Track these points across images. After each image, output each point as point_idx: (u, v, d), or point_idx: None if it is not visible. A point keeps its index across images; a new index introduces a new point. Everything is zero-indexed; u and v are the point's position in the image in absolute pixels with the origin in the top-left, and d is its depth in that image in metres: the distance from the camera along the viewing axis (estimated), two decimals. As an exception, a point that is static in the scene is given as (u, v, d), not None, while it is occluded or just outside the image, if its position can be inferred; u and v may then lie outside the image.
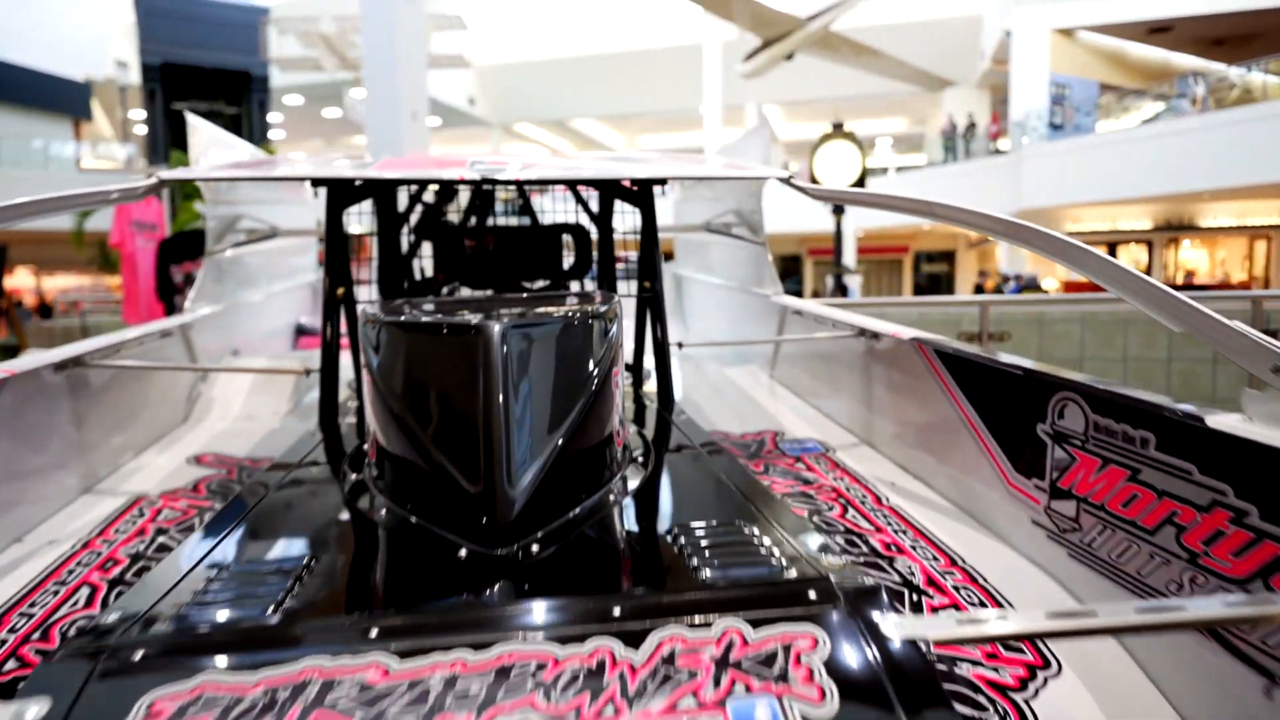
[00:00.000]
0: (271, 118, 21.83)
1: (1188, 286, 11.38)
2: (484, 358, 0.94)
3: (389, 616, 0.76)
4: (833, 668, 0.65)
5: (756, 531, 0.94)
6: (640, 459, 1.28)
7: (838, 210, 13.22)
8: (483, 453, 0.90)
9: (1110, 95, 18.54)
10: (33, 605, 1.09)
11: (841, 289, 12.92)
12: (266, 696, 0.59)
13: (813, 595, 0.75)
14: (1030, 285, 10.31)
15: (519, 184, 1.69)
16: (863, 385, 1.91)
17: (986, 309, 3.63)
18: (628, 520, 1.05)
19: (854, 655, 0.67)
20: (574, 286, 2.10)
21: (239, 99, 17.90)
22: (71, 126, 20.19)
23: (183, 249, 3.99)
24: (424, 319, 1.03)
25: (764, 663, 0.65)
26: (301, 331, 3.08)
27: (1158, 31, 18.31)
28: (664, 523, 1.08)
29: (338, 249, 1.68)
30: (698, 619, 0.69)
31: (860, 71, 20.88)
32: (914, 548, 1.36)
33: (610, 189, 1.99)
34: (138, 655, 0.65)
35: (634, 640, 0.66)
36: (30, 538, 1.35)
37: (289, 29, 14.98)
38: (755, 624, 0.69)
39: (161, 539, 1.33)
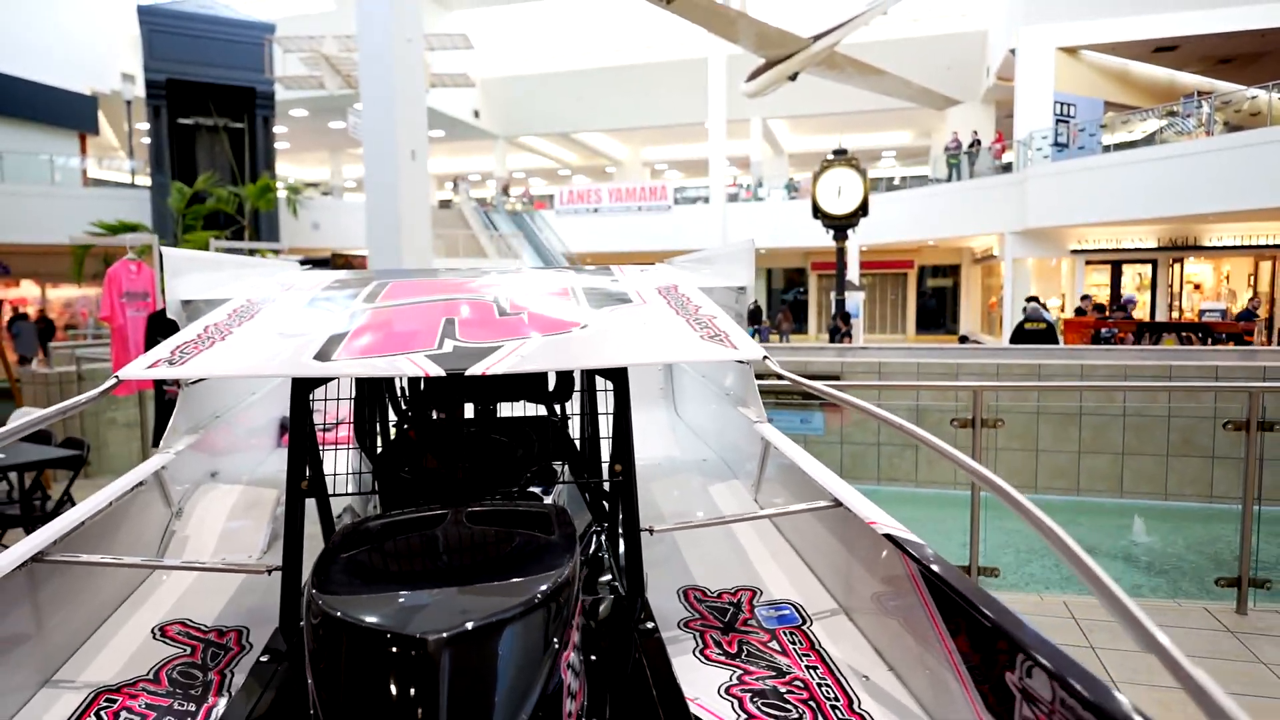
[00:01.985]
0: (277, 129, 21.87)
1: (1193, 327, 11.20)
2: (410, 673, 0.93)
3: None
4: None
5: None
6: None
7: (839, 235, 13.21)
8: None
9: (1115, 114, 18.47)
10: None
11: (845, 317, 12.87)
12: None
13: None
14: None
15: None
16: (843, 543, 1.87)
17: (980, 394, 3.59)
18: None
19: None
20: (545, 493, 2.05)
21: (243, 114, 17.94)
22: (78, 140, 20.25)
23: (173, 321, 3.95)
24: (334, 612, 1.01)
25: None
26: (285, 428, 3.05)
27: (1163, 50, 18.24)
28: None
29: (301, 437, 1.64)
30: None
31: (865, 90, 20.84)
32: None
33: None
34: None
35: None
36: None
37: (292, 48, 15.01)
38: None
39: None
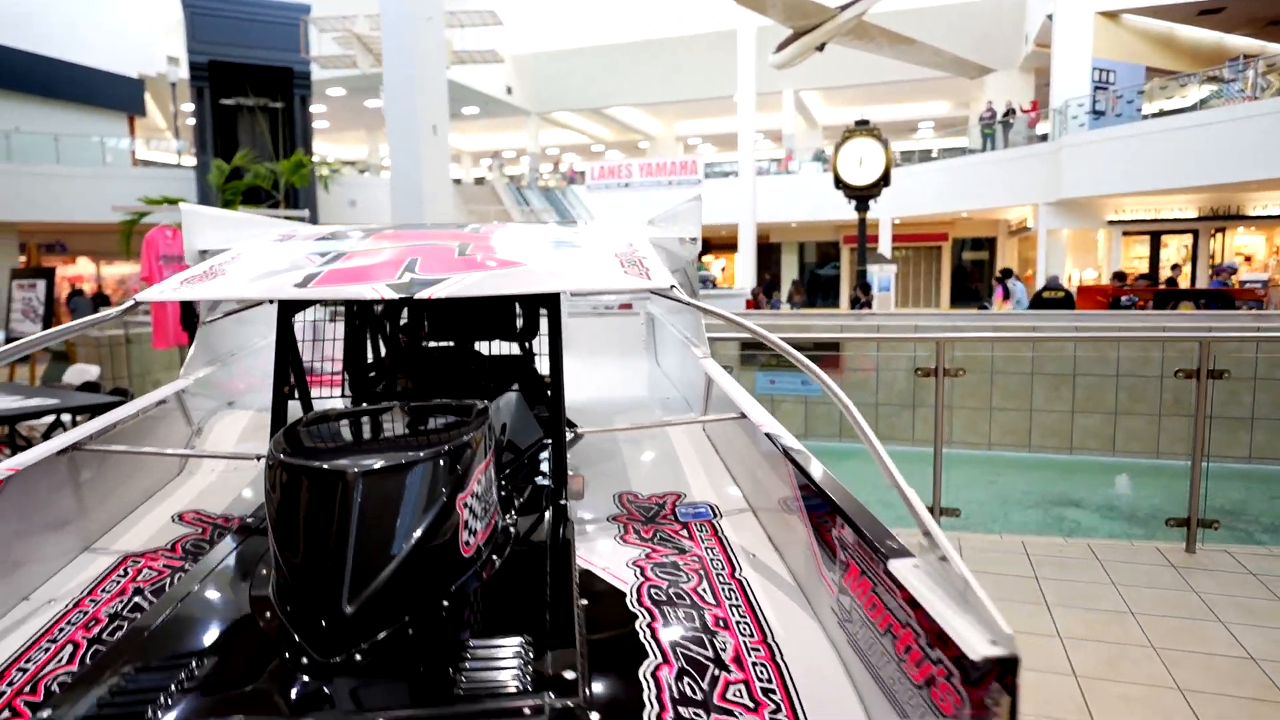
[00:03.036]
0: (315, 109, 22.45)
1: (1210, 294, 11.01)
2: (326, 491, 1.25)
3: (222, 702, 1.08)
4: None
5: (519, 644, 1.21)
6: (496, 560, 1.56)
7: (860, 206, 13.26)
8: (329, 568, 1.21)
9: (1157, 80, 18.02)
10: (28, 661, 1.42)
11: (864, 287, 12.95)
12: None
13: (526, 712, 1.04)
14: (1052, 286, 10.26)
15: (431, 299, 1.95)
16: (750, 451, 2.16)
17: (942, 344, 3.81)
18: (450, 628, 1.32)
19: None
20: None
21: (282, 94, 18.48)
22: (126, 122, 21.05)
23: None
24: (287, 459, 1.32)
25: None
26: (310, 372, 3.40)
27: (1208, 13, 17.69)
28: (471, 630, 1.34)
29: (284, 350, 1.99)
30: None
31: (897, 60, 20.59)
32: (738, 624, 1.62)
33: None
34: None
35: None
36: (35, 595, 1.70)
37: (326, 28, 15.43)
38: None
39: (137, 599, 1.65)
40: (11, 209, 16.64)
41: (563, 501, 1.93)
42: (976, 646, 0.95)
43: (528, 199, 24.95)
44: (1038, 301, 10.70)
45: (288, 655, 1.20)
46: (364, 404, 2.32)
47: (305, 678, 1.15)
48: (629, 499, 2.24)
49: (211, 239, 2.69)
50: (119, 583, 1.73)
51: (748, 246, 22.79)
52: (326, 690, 1.13)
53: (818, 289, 27.79)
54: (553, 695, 1.08)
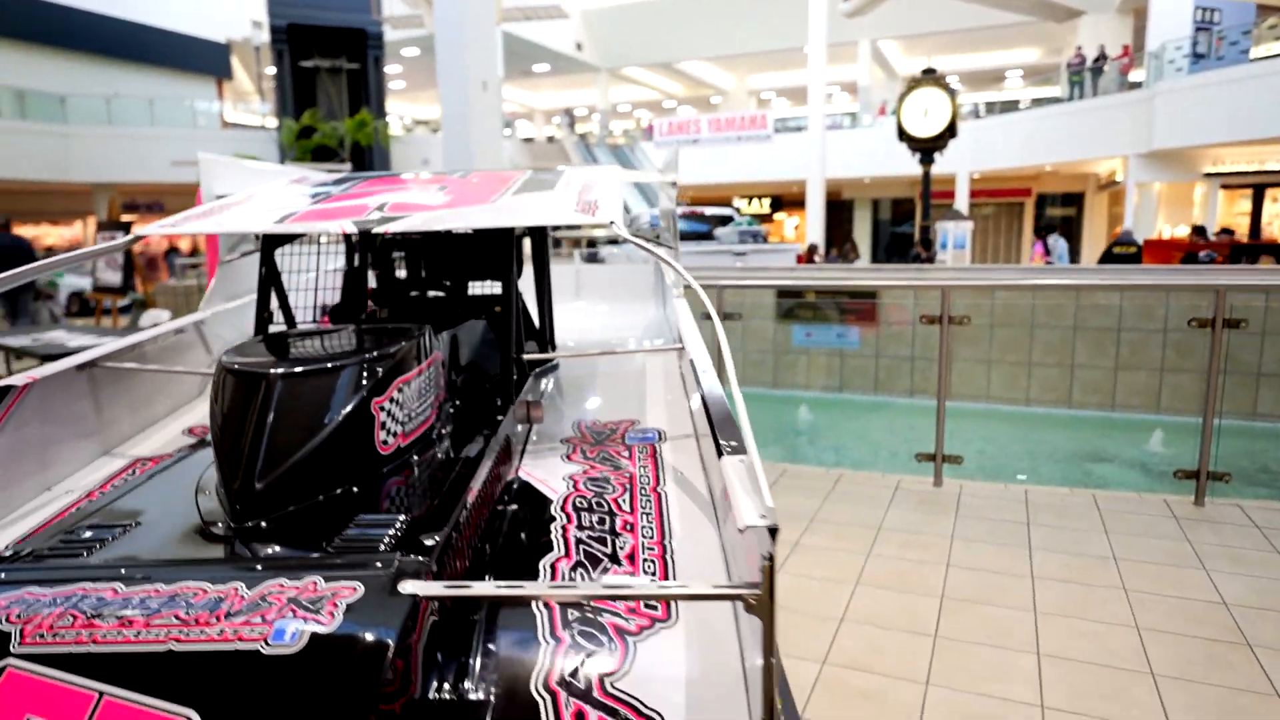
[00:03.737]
0: (390, 69, 23.01)
1: None
2: (250, 390, 1.46)
3: (148, 557, 1.30)
4: (351, 604, 1.12)
5: (397, 524, 1.40)
6: (416, 460, 1.75)
7: (925, 159, 12.86)
8: (246, 452, 1.43)
9: (1269, 18, 16.62)
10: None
11: (926, 244, 12.62)
12: (51, 603, 1.13)
13: (378, 564, 1.22)
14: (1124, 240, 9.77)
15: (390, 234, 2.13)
16: (691, 381, 2.30)
17: (948, 291, 3.82)
18: (353, 508, 1.51)
19: (366, 599, 1.14)
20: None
21: (357, 55, 19.01)
22: (215, 85, 22.05)
23: None
24: (226, 364, 1.54)
25: (313, 598, 1.13)
26: (326, 312, 3.68)
27: (1332, -58, 16.15)
28: (373, 511, 1.53)
29: (267, 280, 2.22)
30: (306, 576, 1.18)
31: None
32: (643, 528, 1.79)
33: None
34: (4, 570, 1.21)
35: (253, 582, 1.16)
36: (56, 488, 1.99)
37: (396, -12, 15.74)
38: (329, 579, 1.17)
39: None
40: (111, 170, 17.80)
41: (514, 423, 2.11)
42: (747, 518, 1.08)
43: (596, 156, 25.03)
44: (1107, 257, 10.23)
45: (209, 523, 1.43)
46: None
47: (214, 537, 1.37)
48: (586, 425, 2.42)
49: (228, 185, 2.94)
50: (127, 479, 2.00)
51: (816, 203, 22.34)
52: (226, 547, 1.35)
53: (896, 247, 27.04)
54: (401, 556, 1.26)
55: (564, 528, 1.76)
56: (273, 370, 1.51)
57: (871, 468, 4.76)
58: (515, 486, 2.00)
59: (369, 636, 1.11)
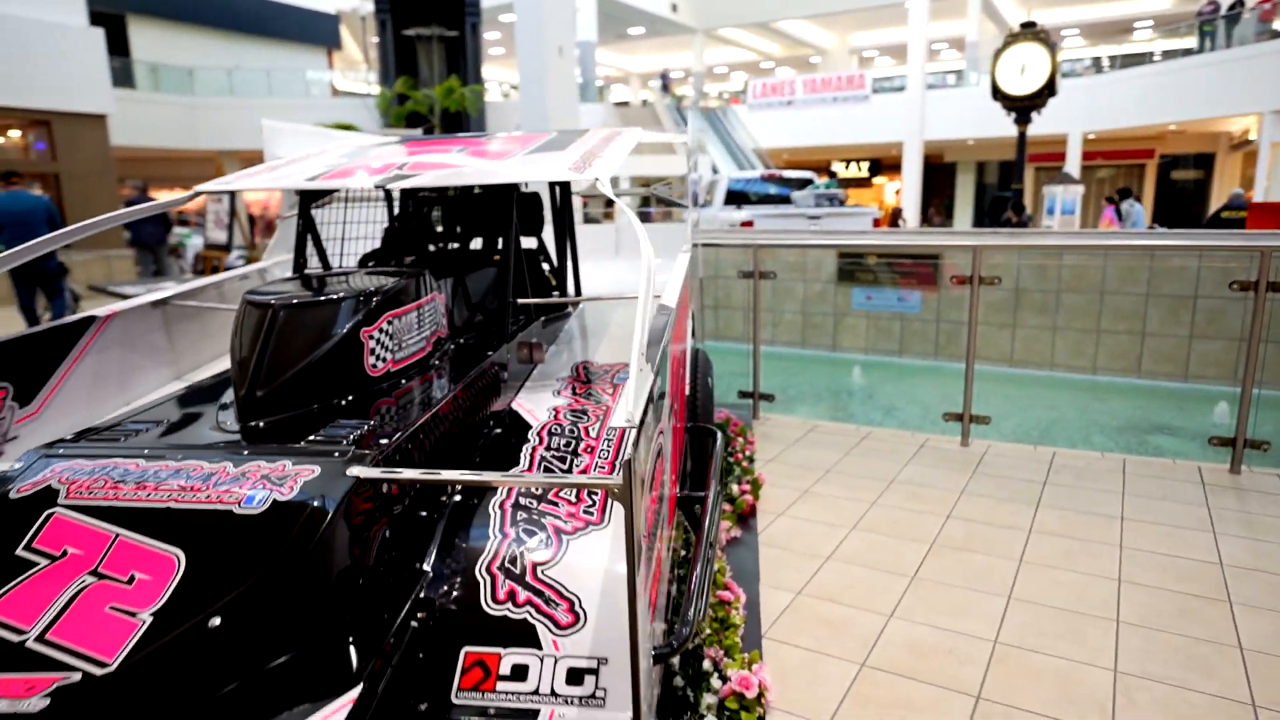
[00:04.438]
0: (490, 36, 23.52)
1: None
2: (259, 319, 1.77)
3: (168, 444, 1.64)
4: (307, 481, 1.42)
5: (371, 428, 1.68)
6: (404, 383, 2.03)
7: (1020, 119, 12.26)
8: (250, 367, 1.74)
9: None
10: None
11: (1018, 209, 12.10)
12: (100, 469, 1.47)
13: (335, 454, 1.51)
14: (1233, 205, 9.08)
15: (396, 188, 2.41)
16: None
17: (979, 251, 3.84)
18: (337, 416, 1.80)
19: (320, 477, 1.43)
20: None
21: (456, 22, 19.55)
22: (325, 55, 23.16)
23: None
24: (246, 298, 1.86)
25: (280, 475, 1.43)
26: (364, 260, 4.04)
27: None
28: (355, 419, 1.82)
29: (304, 232, 2.56)
30: (279, 460, 1.48)
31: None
32: (601, 451, 2.03)
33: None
34: (64, 448, 1.57)
35: (239, 462, 1.47)
36: (136, 404, 2.40)
37: (490, -45, 16.06)
38: (296, 462, 1.47)
39: None
40: (233, 138, 19.10)
41: (504, 358, 2.38)
42: (616, 420, 1.30)
43: (687, 120, 24.92)
44: (1214, 222, 9.57)
45: (221, 420, 1.76)
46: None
47: (223, 432, 1.70)
48: (584, 366, 2.67)
49: (288, 149, 3.31)
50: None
51: (913, 166, 21.60)
52: (227, 438, 1.67)
53: (997, 212, 25.81)
54: (357, 450, 1.54)
55: (534, 449, 2.03)
56: (275, 302, 1.82)
57: (920, 429, 4.81)
58: (504, 414, 2.28)
59: (315, 504, 1.40)
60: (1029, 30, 11.85)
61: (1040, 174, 25.04)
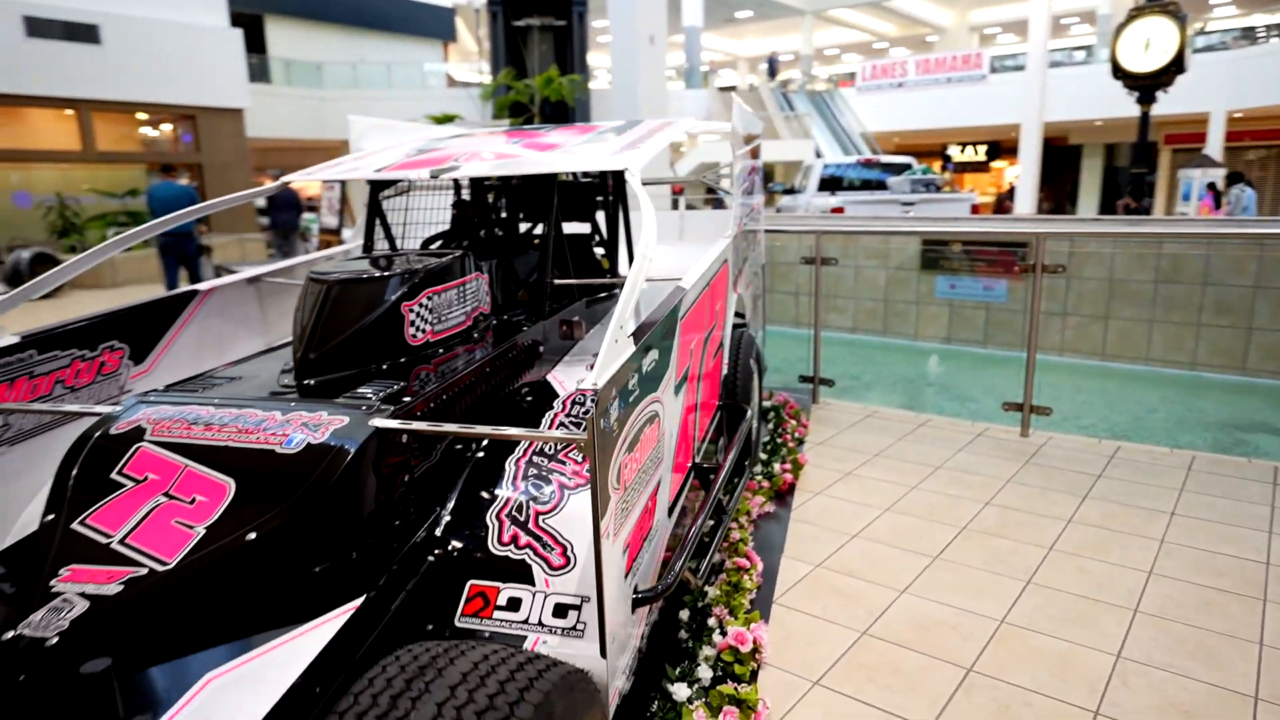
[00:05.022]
0: (600, 24, 23.90)
1: None
2: (316, 293, 2.06)
3: (234, 394, 1.94)
4: (337, 429, 1.68)
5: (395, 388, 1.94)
6: (443, 352, 2.28)
7: (1144, 98, 11.48)
8: (306, 333, 2.03)
9: None
10: None
11: (1137, 195, 11.37)
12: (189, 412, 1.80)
13: (363, 408, 1.77)
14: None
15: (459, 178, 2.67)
16: None
17: (1041, 239, 3.80)
18: (376, 378, 2.07)
19: (348, 426, 1.69)
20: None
21: (563, 12, 20.00)
22: (442, 48, 24.18)
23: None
24: (310, 275, 2.15)
25: (316, 423, 1.70)
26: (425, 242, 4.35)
27: None
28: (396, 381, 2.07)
29: (372, 218, 2.86)
30: (318, 411, 1.75)
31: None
32: None
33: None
34: (155, 396, 1.91)
35: (286, 412, 1.76)
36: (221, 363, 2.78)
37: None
38: (331, 413, 1.74)
39: None
40: (356, 128, 20.31)
41: (540, 333, 2.61)
42: (584, 384, 1.50)
43: (793, 104, 24.57)
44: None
45: (281, 379, 2.07)
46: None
47: (280, 388, 2.00)
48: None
49: (372, 142, 3.65)
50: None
51: (1030, 149, 20.54)
52: (282, 394, 1.97)
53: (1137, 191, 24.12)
54: (382, 405, 1.80)
55: (555, 415, 2.25)
56: (328, 278, 2.11)
57: (985, 419, 4.76)
58: (538, 385, 2.51)
59: (340, 445, 1.66)
60: (1155, 4, 11.07)
61: (1176, 156, 23.24)
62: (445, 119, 11.97)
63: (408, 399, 1.88)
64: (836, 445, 4.01)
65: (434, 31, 23.93)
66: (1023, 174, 20.94)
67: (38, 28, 12.81)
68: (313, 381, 2.03)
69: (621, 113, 8.91)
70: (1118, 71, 11.39)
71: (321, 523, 1.59)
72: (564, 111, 16.68)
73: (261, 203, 12.60)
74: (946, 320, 6.97)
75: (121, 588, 1.41)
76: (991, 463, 3.72)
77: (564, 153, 2.72)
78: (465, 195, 3.53)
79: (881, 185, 11.05)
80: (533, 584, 1.75)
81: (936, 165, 27.45)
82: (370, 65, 21.57)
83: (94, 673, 1.23)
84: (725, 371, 3.23)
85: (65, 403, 2.20)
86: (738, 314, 3.81)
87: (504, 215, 3.39)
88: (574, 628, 1.68)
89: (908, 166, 11.40)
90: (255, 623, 1.45)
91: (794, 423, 4.17)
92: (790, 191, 13.09)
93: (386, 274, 2.18)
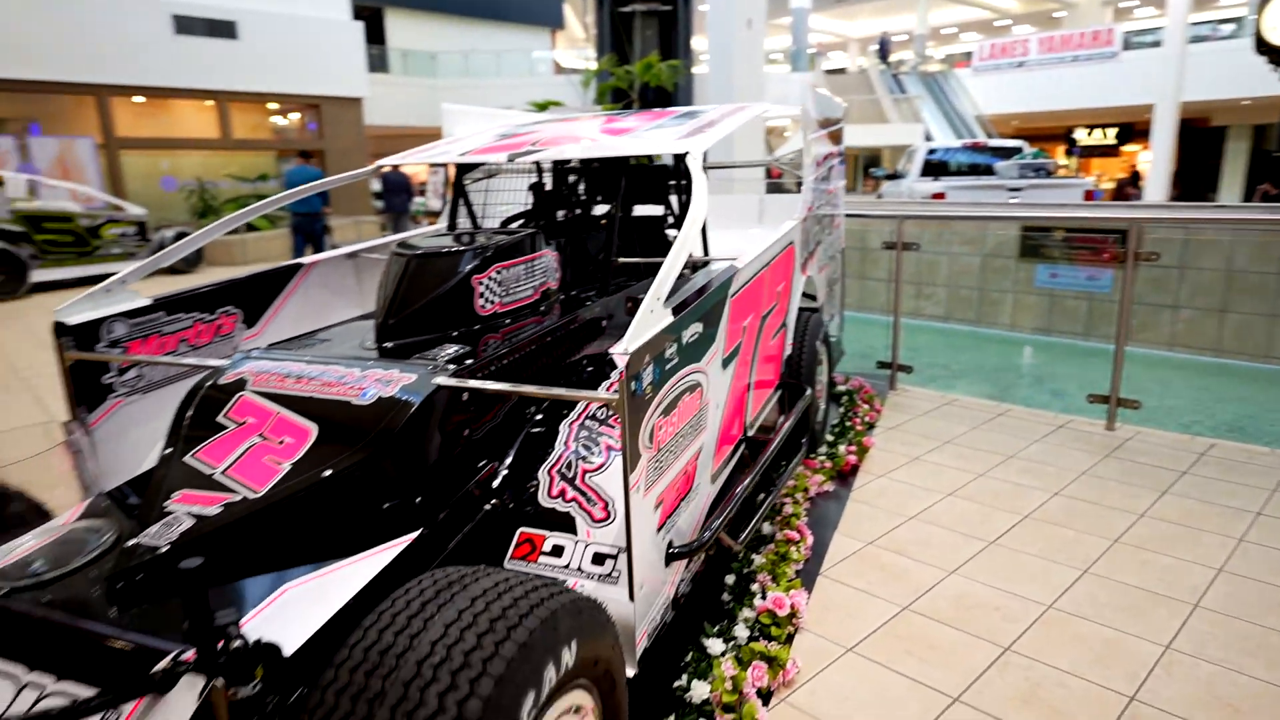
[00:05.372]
0: (703, 9, 23.80)
1: None
2: (398, 265, 2.28)
3: (324, 353, 2.18)
4: (405, 385, 1.88)
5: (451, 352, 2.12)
6: (509, 322, 2.46)
7: (1286, 70, 10.53)
8: (387, 301, 2.26)
9: None
10: None
11: (1276, 180, 10.48)
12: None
13: (429, 368, 1.96)
14: None
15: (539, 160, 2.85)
16: None
17: (1137, 227, 3.67)
18: (449, 343, 2.26)
19: (414, 383, 1.89)
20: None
21: (669, -3, 20.05)
22: (549, 35, 24.68)
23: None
24: (394, 250, 2.38)
25: (388, 379, 1.91)
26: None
27: None
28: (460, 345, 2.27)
29: (456, 196, 3.08)
30: (390, 369, 1.97)
31: None
32: None
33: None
34: (257, 353, 2.18)
35: (365, 369, 1.98)
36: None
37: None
38: (402, 371, 1.94)
39: None
40: (467, 115, 21.08)
41: (605, 310, 2.77)
42: (614, 350, 1.65)
43: (904, 86, 23.76)
44: None
45: (365, 342, 2.30)
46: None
47: (363, 349, 2.24)
48: None
49: (464, 127, 3.89)
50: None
51: (1164, 131, 19.11)
52: (364, 354, 2.20)
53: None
54: (445, 366, 1.99)
55: (610, 384, 2.40)
56: (408, 253, 2.33)
57: (1073, 412, 4.61)
58: (600, 356, 2.67)
59: (405, 399, 1.86)
60: (1308, -28, 10.12)
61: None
62: (545, 106, 12.30)
63: (470, 362, 2.07)
64: (908, 431, 4.00)
65: (543, 19, 24.46)
66: (1155, 158, 19.54)
67: (185, 25, 13.95)
68: (390, 344, 2.25)
69: (715, 98, 8.90)
70: (1262, 46, 10.52)
71: (387, 465, 1.80)
72: (664, 97, 16.78)
73: (376, 188, 13.32)
74: (1046, 310, 6.71)
75: (220, 510, 1.65)
76: (1068, 454, 3.63)
77: (631, 137, 2.85)
78: (546, 178, 3.71)
79: (989, 170, 10.62)
80: (575, 534, 1.91)
81: (1059, 150, 25.95)
82: (481, 54, 22.29)
83: (189, 568, 1.47)
84: (789, 351, 3.29)
85: (185, 358, 2.51)
86: (807, 296, 3.85)
87: (581, 197, 3.55)
88: (609, 574, 1.83)
89: (1018, 150, 10.90)
90: (326, 547, 1.67)
91: (866, 407, 4.18)
92: (893, 177, 12.76)
93: (459, 249, 2.38)
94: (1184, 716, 1.92)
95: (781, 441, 2.78)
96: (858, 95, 22.89)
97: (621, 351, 1.63)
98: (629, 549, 1.71)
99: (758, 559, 2.58)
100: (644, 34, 20.42)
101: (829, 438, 3.73)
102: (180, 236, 11.16)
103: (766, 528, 2.83)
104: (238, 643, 1.28)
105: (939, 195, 9.88)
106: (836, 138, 4.49)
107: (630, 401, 1.65)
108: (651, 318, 1.76)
